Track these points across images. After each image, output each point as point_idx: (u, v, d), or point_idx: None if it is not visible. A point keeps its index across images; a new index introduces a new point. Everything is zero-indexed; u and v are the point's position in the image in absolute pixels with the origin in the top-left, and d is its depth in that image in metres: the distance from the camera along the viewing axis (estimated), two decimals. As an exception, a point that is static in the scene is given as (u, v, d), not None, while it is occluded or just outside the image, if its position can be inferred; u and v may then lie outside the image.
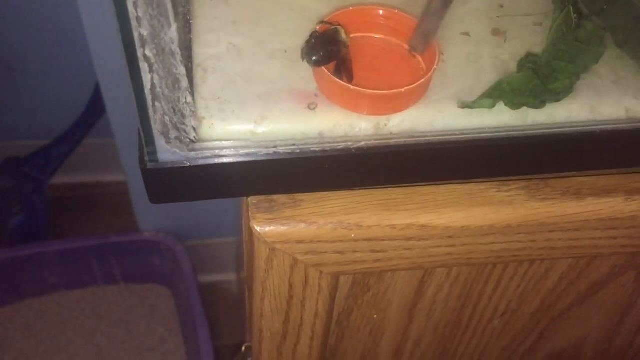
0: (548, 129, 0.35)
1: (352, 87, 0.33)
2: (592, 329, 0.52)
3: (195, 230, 1.12)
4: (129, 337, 1.10)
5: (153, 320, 1.13)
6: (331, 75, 0.33)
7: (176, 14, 0.35)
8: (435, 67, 0.34)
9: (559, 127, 0.35)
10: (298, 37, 0.37)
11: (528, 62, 0.36)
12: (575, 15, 0.35)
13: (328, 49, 0.33)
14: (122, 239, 1.09)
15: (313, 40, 0.34)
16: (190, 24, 0.37)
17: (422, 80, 0.34)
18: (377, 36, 0.38)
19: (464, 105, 0.34)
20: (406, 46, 0.37)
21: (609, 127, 0.35)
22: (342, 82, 0.33)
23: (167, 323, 1.12)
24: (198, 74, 0.35)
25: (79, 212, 1.27)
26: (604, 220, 0.39)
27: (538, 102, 0.35)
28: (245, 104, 0.34)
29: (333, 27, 0.35)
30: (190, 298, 1.01)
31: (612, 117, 0.35)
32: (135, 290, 1.15)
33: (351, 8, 0.36)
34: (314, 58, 0.33)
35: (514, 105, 0.35)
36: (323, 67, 0.33)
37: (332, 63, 0.34)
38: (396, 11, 0.37)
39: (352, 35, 0.36)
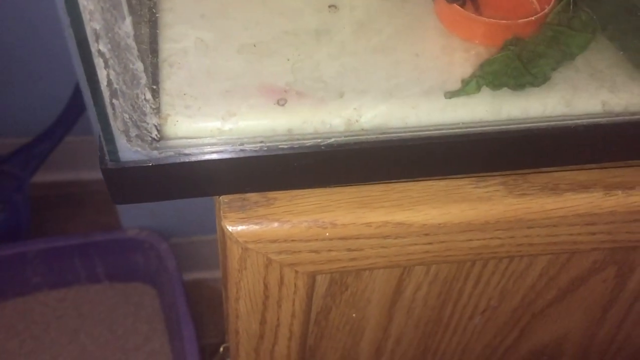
0: (523, 123, 0.34)
1: (486, 19, 0.35)
2: (574, 325, 0.52)
3: (180, 228, 1.11)
4: (113, 337, 1.09)
5: (137, 319, 1.11)
6: (463, 10, 0.35)
7: (141, 6, 0.34)
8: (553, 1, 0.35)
9: (534, 122, 0.34)
10: (268, 31, 0.36)
11: (512, 44, 0.35)
12: (572, 4, 0.35)
13: None
14: (106, 237, 1.08)
15: None
16: (156, 17, 0.36)
17: (539, 15, 0.34)
18: None
19: (451, 95, 0.34)
20: None
21: (585, 121, 0.34)
22: (469, 13, 0.35)
23: (151, 322, 1.11)
24: (164, 70, 0.33)
25: (62, 210, 1.25)
26: (583, 216, 0.38)
27: (518, 84, 0.34)
28: (212, 100, 0.33)
29: None
30: (175, 296, 1.00)
31: (589, 110, 0.34)
32: (119, 289, 1.14)
33: None
34: None
35: (495, 86, 0.34)
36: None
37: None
38: None
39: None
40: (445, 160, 0.35)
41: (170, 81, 0.33)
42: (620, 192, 0.39)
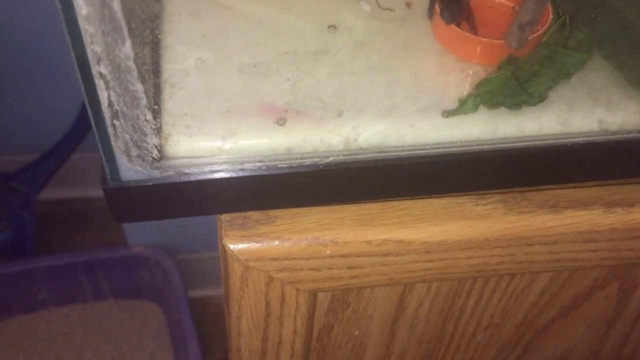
0: (520, 142, 0.34)
1: (482, 38, 0.36)
2: (578, 341, 0.51)
3: (185, 245, 1.11)
4: (118, 353, 1.09)
5: (143, 335, 1.11)
6: (460, 30, 0.36)
7: (143, 28, 0.35)
8: (548, 22, 0.36)
9: (532, 141, 0.34)
10: (268, 51, 0.36)
11: (509, 63, 0.35)
12: (568, 24, 0.36)
13: (457, 5, 0.36)
14: (111, 254, 1.08)
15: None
16: (158, 38, 0.36)
17: (534, 35, 0.35)
18: None
19: (449, 114, 0.34)
20: (510, 4, 0.39)
21: (582, 139, 0.34)
22: (466, 32, 0.36)
23: (157, 338, 1.11)
24: (165, 90, 0.34)
25: (68, 227, 1.26)
26: (583, 233, 0.38)
27: (514, 103, 0.34)
28: (213, 120, 0.33)
29: None
30: (180, 313, 1.00)
31: (585, 129, 0.35)
32: (124, 305, 1.14)
33: None
34: (446, 15, 0.35)
35: (491, 105, 0.34)
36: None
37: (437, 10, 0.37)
38: None
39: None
40: (443, 179, 0.35)
41: (172, 101, 0.34)
42: (620, 209, 0.39)
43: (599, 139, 0.34)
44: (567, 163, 0.36)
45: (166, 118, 0.33)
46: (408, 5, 0.39)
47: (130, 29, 0.25)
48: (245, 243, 0.36)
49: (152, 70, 0.34)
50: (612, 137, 0.35)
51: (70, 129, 1.14)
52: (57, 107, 1.16)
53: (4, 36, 1.05)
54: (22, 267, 1.06)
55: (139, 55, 0.28)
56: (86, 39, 0.24)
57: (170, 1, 0.38)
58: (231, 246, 0.36)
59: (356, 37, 0.38)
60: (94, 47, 0.24)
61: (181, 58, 0.36)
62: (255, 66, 0.35)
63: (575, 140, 0.34)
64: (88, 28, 0.23)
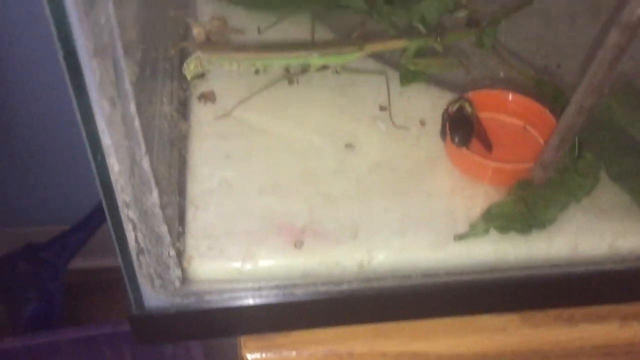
0: (531, 267, 0.35)
1: (494, 162, 0.37)
2: None
3: (208, 317, 1.12)
4: None
5: (164, 410, 1.11)
6: (471, 153, 0.37)
7: (172, 149, 0.37)
8: None
9: (542, 265, 0.35)
10: (288, 171, 0.38)
11: (519, 188, 0.36)
12: (577, 148, 0.37)
13: (467, 128, 0.38)
14: (135, 326, 1.09)
15: (450, 123, 0.38)
16: (185, 159, 0.38)
17: None
18: (493, 115, 0.41)
19: (460, 238, 0.35)
20: (520, 122, 0.41)
21: (592, 264, 0.35)
22: (477, 156, 0.37)
23: (177, 413, 1.10)
24: (189, 211, 0.36)
25: (92, 296, 1.27)
26: (599, 347, 0.39)
27: (525, 228, 0.35)
28: (233, 241, 0.34)
29: (457, 104, 0.39)
30: (200, 387, 1.00)
31: (595, 253, 0.35)
32: (146, 378, 1.14)
33: (470, 93, 0.40)
34: (457, 140, 0.37)
35: (502, 229, 0.35)
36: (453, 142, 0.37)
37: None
38: (510, 93, 0.41)
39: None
40: (456, 302, 0.36)
41: (195, 223, 0.35)
42: (636, 323, 0.39)
43: (609, 263, 0.35)
44: (578, 287, 0.36)
45: (189, 240, 0.34)
46: (422, 123, 0.41)
47: (157, 181, 0.27)
48: (263, 353, 0.37)
49: (177, 192, 0.36)
50: (623, 261, 0.35)
51: (100, 203, 1.16)
52: (88, 179, 1.19)
53: (37, 109, 1.10)
54: (47, 339, 1.07)
55: (163, 199, 0.29)
56: (117, 189, 0.26)
57: (197, 121, 0.40)
58: (249, 356, 0.37)
59: (372, 156, 0.39)
60: (123, 197, 0.26)
61: (206, 178, 0.37)
62: (275, 186, 0.37)
63: (585, 265, 0.35)
64: (119, 180, 0.25)
